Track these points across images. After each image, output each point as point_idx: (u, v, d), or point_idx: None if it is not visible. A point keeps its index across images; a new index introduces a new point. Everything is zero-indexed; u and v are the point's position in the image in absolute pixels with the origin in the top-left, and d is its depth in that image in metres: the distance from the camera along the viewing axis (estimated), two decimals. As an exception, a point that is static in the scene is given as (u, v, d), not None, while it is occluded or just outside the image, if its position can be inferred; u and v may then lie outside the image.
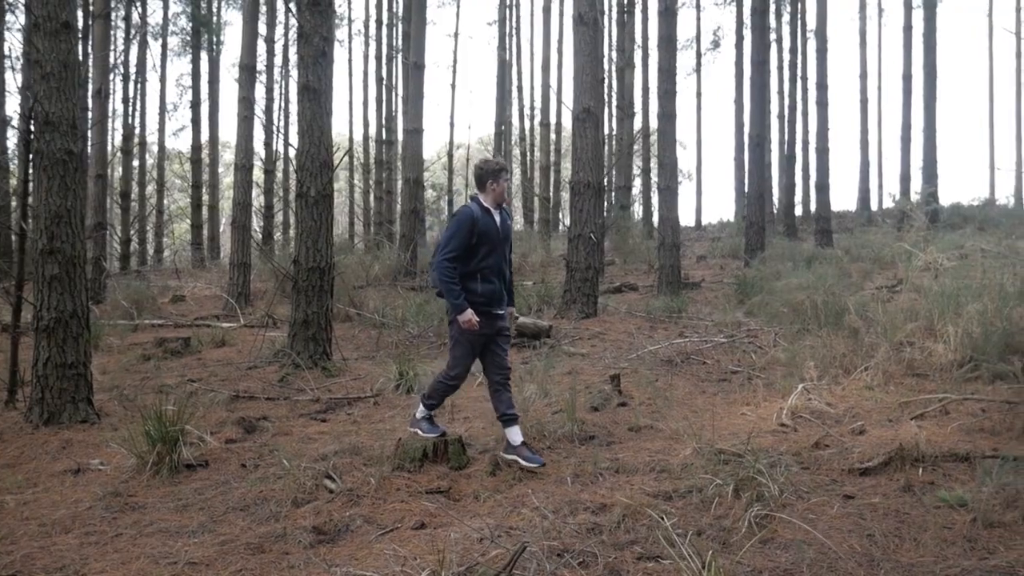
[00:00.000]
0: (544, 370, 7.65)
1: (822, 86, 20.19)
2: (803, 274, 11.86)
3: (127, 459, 5.68)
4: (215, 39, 26.76)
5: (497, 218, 5.31)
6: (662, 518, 4.10)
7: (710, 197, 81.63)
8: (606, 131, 27.94)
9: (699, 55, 35.22)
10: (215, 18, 28.19)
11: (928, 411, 6.10)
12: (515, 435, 5.31)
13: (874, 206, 35.06)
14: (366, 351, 10.13)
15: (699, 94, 35.89)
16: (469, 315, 5.11)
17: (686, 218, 58.80)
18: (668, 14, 13.72)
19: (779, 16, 31.19)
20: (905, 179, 26.72)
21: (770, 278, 11.78)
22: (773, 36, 31.43)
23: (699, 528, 4.12)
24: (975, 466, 4.84)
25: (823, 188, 20.90)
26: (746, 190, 19.38)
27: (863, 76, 34.55)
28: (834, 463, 5.13)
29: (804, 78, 30.48)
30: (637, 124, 27.90)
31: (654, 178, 24.62)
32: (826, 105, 20.32)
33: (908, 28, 26.41)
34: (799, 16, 29.17)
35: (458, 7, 33.53)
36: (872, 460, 4.99)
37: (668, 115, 13.97)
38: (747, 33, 24.79)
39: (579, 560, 3.78)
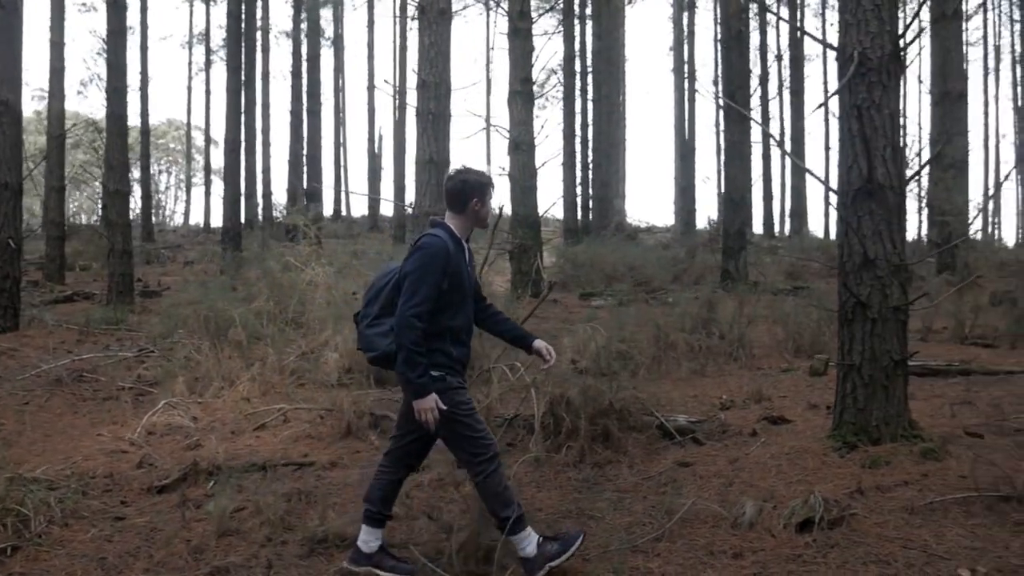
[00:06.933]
0: None
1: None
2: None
3: None
4: None
5: (466, 254, 3.88)
6: None
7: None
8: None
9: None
10: None
11: (270, 421, 6.51)
12: (372, 540, 3.87)
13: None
14: None
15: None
16: (432, 402, 3.57)
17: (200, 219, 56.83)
18: (117, 7, 12.96)
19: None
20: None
21: (217, 288, 11.69)
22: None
23: (-83, 573, 3.88)
24: (268, 474, 5.26)
25: (313, 195, 21.73)
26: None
27: (370, 89, 36.67)
28: (139, 482, 5.21)
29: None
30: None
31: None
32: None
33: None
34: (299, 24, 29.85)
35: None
36: (170, 477, 5.16)
37: (118, 115, 13.26)
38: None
39: None
